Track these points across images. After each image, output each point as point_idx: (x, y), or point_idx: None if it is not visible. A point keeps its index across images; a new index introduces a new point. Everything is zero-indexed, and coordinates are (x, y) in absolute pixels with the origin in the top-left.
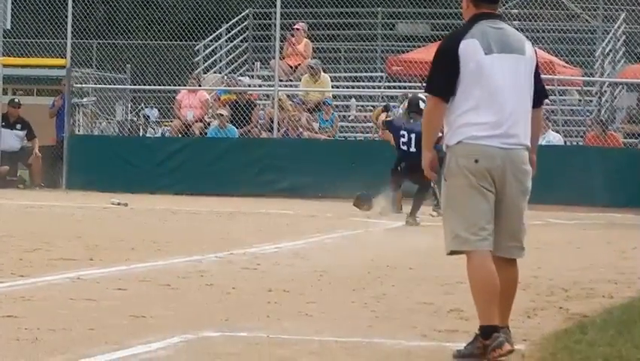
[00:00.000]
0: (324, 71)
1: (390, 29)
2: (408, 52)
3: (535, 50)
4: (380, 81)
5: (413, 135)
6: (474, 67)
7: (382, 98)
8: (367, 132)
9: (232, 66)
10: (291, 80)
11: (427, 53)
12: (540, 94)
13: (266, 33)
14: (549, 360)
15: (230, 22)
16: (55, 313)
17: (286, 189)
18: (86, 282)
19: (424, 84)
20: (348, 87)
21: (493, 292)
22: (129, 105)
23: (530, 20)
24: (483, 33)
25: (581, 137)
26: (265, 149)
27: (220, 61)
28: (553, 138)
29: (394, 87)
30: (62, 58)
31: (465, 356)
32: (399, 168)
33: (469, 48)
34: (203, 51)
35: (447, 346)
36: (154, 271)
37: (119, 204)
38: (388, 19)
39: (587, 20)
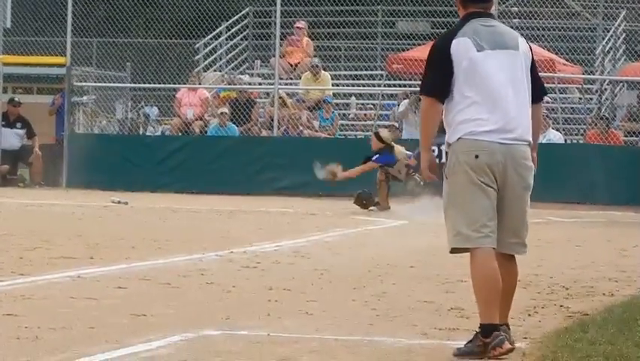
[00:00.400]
0: (325, 69)
1: (391, 27)
2: (408, 50)
3: (531, 47)
4: (380, 79)
5: None
6: (467, 65)
7: (382, 96)
8: (367, 130)
9: (232, 64)
10: (291, 79)
11: (427, 51)
12: (539, 90)
13: (266, 31)
14: (550, 358)
15: (231, 21)
16: (56, 312)
17: (286, 187)
18: (86, 280)
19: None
20: (348, 85)
21: (495, 290)
22: (129, 103)
23: (530, 18)
24: (474, 31)
25: (582, 135)
26: (265, 147)
27: (220, 59)
28: (553, 136)
29: (394, 85)
30: (62, 56)
31: (465, 355)
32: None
33: (461, 46)
34: (204, 49)
35: (447, 344)
36: (154, 270)
37: (119, 202)
38: (388, 17)
39: (587, 18)
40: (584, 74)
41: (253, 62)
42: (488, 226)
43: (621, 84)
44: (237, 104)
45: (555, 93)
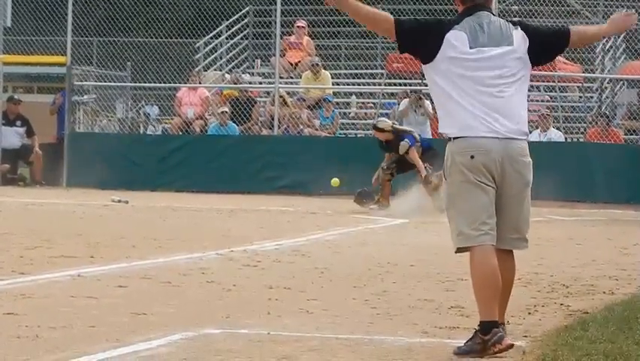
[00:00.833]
0: (325, 68)
1: None
2: None
3: (530, 28)
4: (381, 78)
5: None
6: (456, 59)
7: (383, 94)
8: (368, 129)
9: (232, 63)
10: (291, 78)
11: None
12: (559, 38)
13: (266, 30)
14: (550, 357)
15: (231, 20)
16: (56, 311)
17: (287, 186)
18: (86, 279)
19: (423, 80)
20: (348, 84)
21: (495, 288)
22: (129, 103)
23: (531, 17)
24: (471, 28)
25: (582, 133)
26: (266, 146)
27: (220, 58)
28: (554, 134)
29: (395, 84)
30: (63, 55)
31: (465, 353)
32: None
33: (456, 38)
34: (204, 48)
35: (448, 343)
36: (155, 269)
37: (119, 201)
38: None
39: (587, 17)
40: (584, 72)
41: (253, 61)
42: (487, 224)
43: (621, 82)
44: (238, 103)
45: (555, 92)
